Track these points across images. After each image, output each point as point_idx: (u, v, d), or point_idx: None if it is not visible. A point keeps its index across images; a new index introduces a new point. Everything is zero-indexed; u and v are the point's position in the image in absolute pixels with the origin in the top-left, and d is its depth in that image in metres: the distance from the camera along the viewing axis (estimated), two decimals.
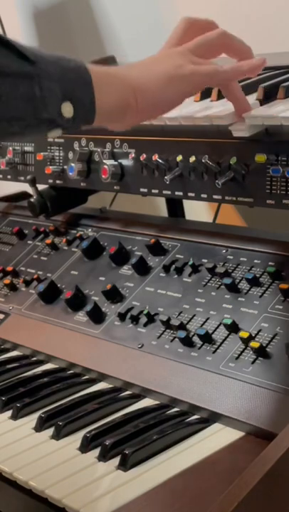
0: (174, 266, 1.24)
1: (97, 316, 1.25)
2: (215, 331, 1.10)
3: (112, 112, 1.02)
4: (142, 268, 1.28)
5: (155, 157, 1.25)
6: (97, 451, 0.98)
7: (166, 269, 1.24)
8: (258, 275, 1.13)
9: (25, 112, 0.93)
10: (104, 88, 0.99)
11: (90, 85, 0.97)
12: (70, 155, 1.45)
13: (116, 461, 0.95)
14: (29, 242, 1.55)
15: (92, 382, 1.17)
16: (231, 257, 1.19)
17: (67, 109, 0.96)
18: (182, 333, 1.10)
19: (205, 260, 1.21)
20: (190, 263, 1.21)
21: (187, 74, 1.04)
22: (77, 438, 1.02)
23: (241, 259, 1.18)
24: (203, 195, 1.20)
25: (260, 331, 1.05)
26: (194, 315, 1.14)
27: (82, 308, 1.29)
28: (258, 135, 1.11)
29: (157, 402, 1.08)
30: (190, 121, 1.18)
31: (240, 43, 1.11)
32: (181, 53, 1.06)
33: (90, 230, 1.45)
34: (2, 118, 0.92)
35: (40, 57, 0.94)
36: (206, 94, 1.24)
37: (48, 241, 1.48)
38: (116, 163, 1.34)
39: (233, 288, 1.13)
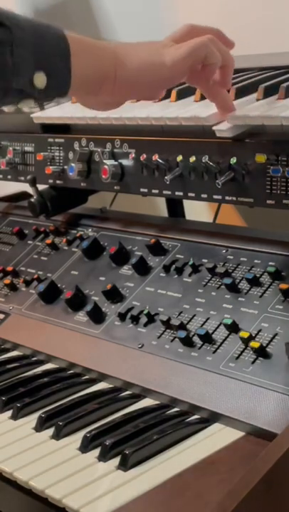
0: (174, 266, 1.24)
1: (97, 316, 1.25)
2: (215, 331, 1.10)
3: (88, 82, 0.98)
4: (142, 268, 1.28)
5: (155, 157, 1.25)
6: (97, 451, 0.98)
7: (167, 269, 1.24)
8: (258, 275, 1.13)
9: None
10: (82, 56, 0.96)
11: (67, 55, 0.94)
12: (70, 155, 1.45)
13: (116, 461, 0.95)
14: (29, 242, 1.55)
15: (92, 382, 1.17)
16: (231, 257, 1.19)
17: (40, 80, 0.92)
18: (182, 333, 1.10)
19: (205, 260, 1.21)
20: (190, 263, 1.21)
21: (169, 59, 1.02)
22: (77, 438, 1.02)
23: (241, 259, 1.18)
24: (203, 195, 1.20)
25: (260, 331, 1.05)
26: (194, 315, 1.14)
27: (82, 308, 1.29)
28: (258, 135, 1.11)
29: (157, 402, 1.08)
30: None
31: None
32: (167, 44, 1.05)
33: (90, 230, 1.45)
34: None
35: (16, 23, 0.90)
36: None
37: (48, 241, 1.48)
38: (116, 163, 1.34)
39: (233, 288, 1.13)
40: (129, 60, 1.01)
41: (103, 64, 0.99)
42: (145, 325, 1.18)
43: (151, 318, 1.18)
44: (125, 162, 1.33)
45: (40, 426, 1.07)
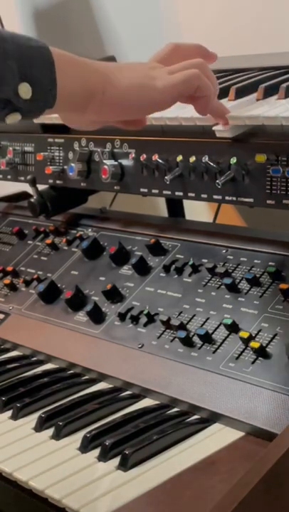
0: (174, 266, 1.24)
1: (97, 316, 1.25)
2: (215, 331, 1.10)
3: (75, 98, 0.97)
4: (142, 268, 1.28)
5: (155, 157, 1.25)
6: (97, 451, 0.98)
7: (166, 269, 1.24)
8: (258, 275, 1.13)
9: None
10: (68, 69, 0.95)
11: (50, 65, 0.92)
12: (70, 155, 1.45)
13: (116, 461, 0.95)
14: (29, 242, 1.55)
15: (92, 382, 1.17)
16: (231, 257, 1.19)
17: (25, 90, 0.91)
18: (182, 333, 1.10)
19: (205, 260, 1.21)
20: (190, 263, 1.21)
21: (161, 84, 1.01)
22: (77, 438, 1.02)
23: (241, 259, 1.18)
24: (203, 195, 1.20)
25: (260, 331, 1.05)
26: (194, 315, 1.14)
27: (82, 308, 1.29)
28: (258, 135, 1.11)
29: (157, 402, 1.08)
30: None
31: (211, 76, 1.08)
32: (156, 67, 1.04)
33: (90, 230, 1.45)
34: None
35: None
36: None
37: (48, 241, 1.48)
38: (116, 163, 1.34)
39: (233, 288, 1.13)
40: (118, 80, 0.99)
41: (90, 81, 0.98)
42: (145, 325, 1.18)
43: (151, 318, 1.18)
44: (125, 162, 1.33)
45: (40, 426, 1.07)
